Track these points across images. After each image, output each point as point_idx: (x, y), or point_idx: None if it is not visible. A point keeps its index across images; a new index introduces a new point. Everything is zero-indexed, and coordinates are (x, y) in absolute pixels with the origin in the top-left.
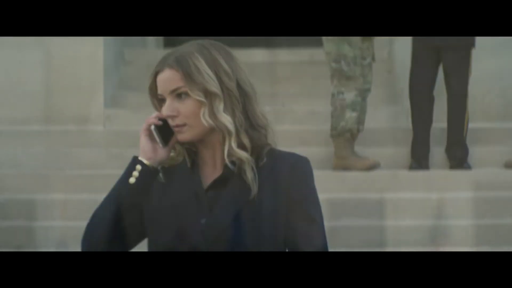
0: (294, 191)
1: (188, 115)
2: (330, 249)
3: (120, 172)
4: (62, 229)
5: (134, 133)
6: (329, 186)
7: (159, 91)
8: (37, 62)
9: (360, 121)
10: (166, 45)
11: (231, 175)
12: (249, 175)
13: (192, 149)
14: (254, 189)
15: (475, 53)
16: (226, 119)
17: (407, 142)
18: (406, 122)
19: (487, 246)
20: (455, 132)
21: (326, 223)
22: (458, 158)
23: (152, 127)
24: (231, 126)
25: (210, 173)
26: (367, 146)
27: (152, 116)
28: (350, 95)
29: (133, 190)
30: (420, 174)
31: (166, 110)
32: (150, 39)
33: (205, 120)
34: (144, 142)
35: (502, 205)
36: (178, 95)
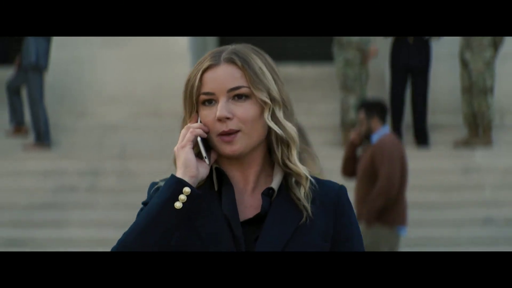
0: (342, 229)
1: (246, 119)
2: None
3: None
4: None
5: None
6: (338, 157)
7: (209, 89)
8: (146, 80)
9: None
10: None
11: (268, 203)
12: (302, 195)
13: (220, 169)
14: (308, 212)
15: (440, 75)
16: (291, 127)
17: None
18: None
19: (436, 193)
20: (421, 123)
21: (339, 179)
22: (422, 140)
23: (199, 138)
24: (295, 135)
25: (241, 200)
26: None
27: (195, 125)
28: (352, 100)
29: (179, 216)
30: None
31: (222, 111)
32: None
33: (270, 122)
34: (188, 156)
35: (450, 168)
36: (237, 96)
